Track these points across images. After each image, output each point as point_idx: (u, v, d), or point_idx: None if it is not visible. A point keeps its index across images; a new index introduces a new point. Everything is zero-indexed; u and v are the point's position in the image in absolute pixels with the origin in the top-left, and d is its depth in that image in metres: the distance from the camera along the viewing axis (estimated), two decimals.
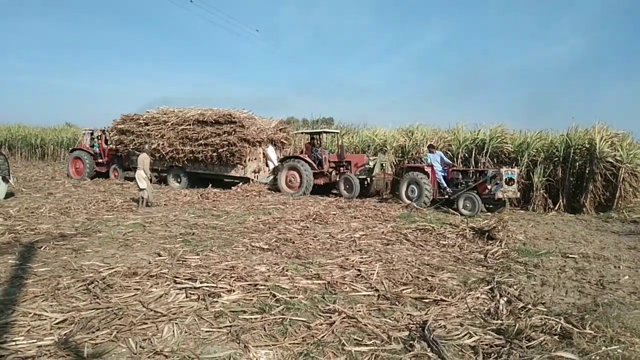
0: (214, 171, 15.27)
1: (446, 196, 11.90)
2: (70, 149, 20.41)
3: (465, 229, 8.21)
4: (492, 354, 3.39)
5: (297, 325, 3.90)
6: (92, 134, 18.38)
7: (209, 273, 5.09)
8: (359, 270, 5.62)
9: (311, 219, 9.41)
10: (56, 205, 10.39)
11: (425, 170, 12.07)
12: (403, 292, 4.85)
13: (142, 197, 10.63)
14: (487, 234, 7.82)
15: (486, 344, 3.57)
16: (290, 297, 4.55)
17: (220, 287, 4.64)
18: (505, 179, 10.87)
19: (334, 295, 4.70)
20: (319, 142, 15.12)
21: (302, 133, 17.39)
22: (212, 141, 14.65)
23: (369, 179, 13.88)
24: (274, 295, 4.55)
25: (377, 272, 5.47)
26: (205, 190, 14.13)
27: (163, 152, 15.49)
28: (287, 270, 5.46)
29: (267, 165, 15.66)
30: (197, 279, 4.82)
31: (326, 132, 15.86)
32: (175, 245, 6.64)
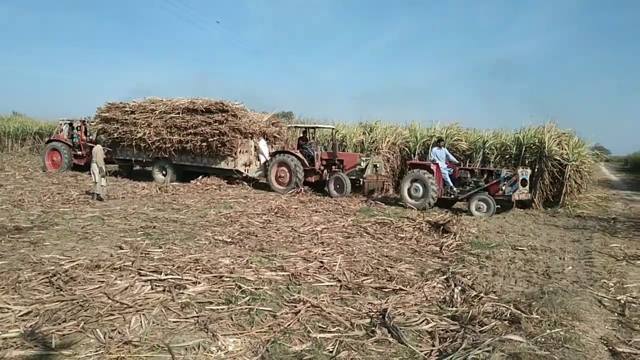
0: (203, 163, 14.64)
1: (452, 196, 11.38)
2: (46, 139, 19.23)
3: (422, 223, 8.52)
4: (448, 339, 3.63)
5: (263, 314, 4.02)
6: (71, 124, 17.54)
7: (173, 265, 5.12)
8: (321, 262, 5.77)
9: (273, 213, 9.50)
10: (8, 197, 10.01)
11: (431, 167, 11.33)
12: (364, 282, 5.05)
13: (95, 191, 10.45)
14: (442, 227, 8.15)
15: (442, 330, 3.82)
16: (256, 289, 4.66)
17: (185, 279, 4.69)
18: (521, 181, 10.54)
19: (298, 286, 4.84)
20: (312, 137, 14.59)
21: (295, 127, 16.79)
22: (202, 130, 13.99)
23: (360, 180, 13.10)
24: (240, 287, 4.64)
25: (339, 264, 5.64)
26: (163, 183, 13.92)
27: (149, 142, 14.69)
28: (251, 263, 5.55)
29: (259, 159, 15.00)
30: (162, 272, 4.84)
31: (320, 128, 15.48)
32: (137, 239, 6.59)
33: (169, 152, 14.74)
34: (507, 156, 13.38)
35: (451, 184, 11.39)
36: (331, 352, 3.34)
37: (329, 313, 4.06)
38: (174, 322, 3.76)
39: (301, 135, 14.94)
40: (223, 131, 13.72)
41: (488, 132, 14.50)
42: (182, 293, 4.36)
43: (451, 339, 3.60)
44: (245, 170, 14.55)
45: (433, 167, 11.32)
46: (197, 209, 9.63)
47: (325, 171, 13.80)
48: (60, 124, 18.18)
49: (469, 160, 13.52)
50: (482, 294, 4.63)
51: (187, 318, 3.85)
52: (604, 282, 5.35)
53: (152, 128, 14.75)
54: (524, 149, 13.01)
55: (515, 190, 10.54)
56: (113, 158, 16.31)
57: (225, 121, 13.86)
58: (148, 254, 5.71)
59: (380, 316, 4.02)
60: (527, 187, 10.67)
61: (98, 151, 10.65)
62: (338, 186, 12.98)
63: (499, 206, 10.91)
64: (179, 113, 14.55)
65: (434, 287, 4.95)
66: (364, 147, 15.49)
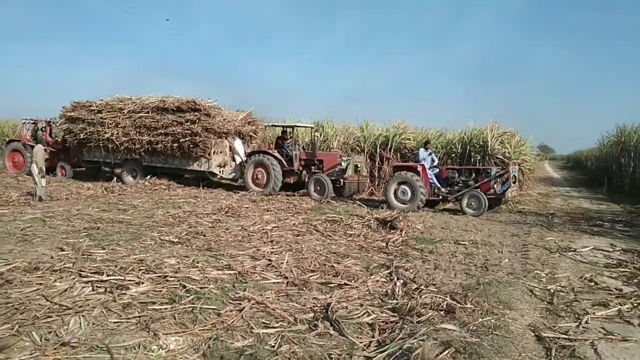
0: (175, 164, 14.09)
1: (440, 197, 11.29)
2: (7, 139, 17.92)
3: (371, 220, 8.71)
4: (387, 330, 3.76)
5: (207, 313, 4.02)
6: (35, 124, 16.58)
7: (116, 266, 5.02)
8: (269, 260, 5.81)
9: (223, 212, 9.44)
10: None
11: (417, 169, 11.16)
12: (310, 278, 5.12)
13: (36, 192, 10.07)
14: (389, 224, 8.36)
15: (382, 321, 3.95)
16: (201, 288, 4.63)
17: (128, 280, 4.61)
18: (512, 178, 10.55)
19: (244, 284, 4.85)
20: (290, 137, 14.14)
21: (272, 126, 16.18)
22: (173, 130, 13.43)
23: (341, 180, 12.73)
24: (184, 286, 4.61)
25: (287, 261, 5.70)
26: (109, 183, 13.50)
27: (117, 143, 14.04)
28: (197, 262, 5.51)
29: (234, 160, 14.47)
30: (103, 272, 4.74)
31: (299, 127, 15.01)
32: (79, 240, 6.39)
33: (138, 154, 14.09)
34: (452, 155, 13.85)
35: (438, 184, 11.29)
36: (273, 346, 3.39)
37: (273, 309, 4.11)
38: (114, 322, 3.71)
39: (279, 134, 14.54)
40: (195, 131, 13.23)
41: (434, 131, 14.96)
42: (124, 294, 4.29)
43: (390, 330, 3.73)
44: (219, 172, 14.04)
45: (419, 168, 11.17)
46: (144, 210, 9.44)
47: (304, 172, 13.37)
48: (23, 123, 17.10)
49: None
50: (422, 287, 4.80)
51: (128, 318, 3.80)
52: (537, 273, 5.67)
53: (121, 128, 14.11)
54: (468, 147, 13.51)
55: (508, 187, 10.51)
56: (80, 160, 15.61)
57: (197, 120, 13.33)
58: (90, 255, 5.57)
59: (324, 310, 4.11)
60: (516, 183, 10.51)
61: (38, 151, 10.28)
62: (319, 188, 12.50)
63: (491, 204, 10.85)
64: (148, 112, 13.99)
65: (378, 281, 5.10)
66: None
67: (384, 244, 7.09)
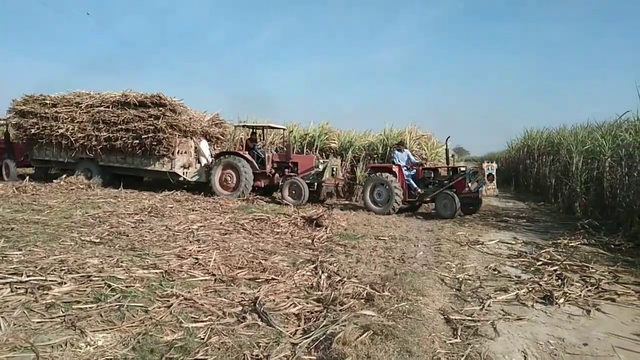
0: (134, 164, 13.25)
1: (417, 198, 11.17)
2: None
3: (297, 218, 8.95)
4: (312, 319, 4.00)
5: (134, 310, 4.03)
6: None
7: (35, 267, 4.84)
8: (196, 258, 5.84)
9: (146, 212, 9.25)
10: None
11: (393, 170, 10.99)
12: (238, 275, 5.24)
13: None
14: (315, 221, 8.65)
15: (308, 311, 4.18)
16: (127, 286, 4.60)
17: (50, 280, 4.48)
18: (487, 175, 10.33)
19: (171, 282, 4.88)
20: (261, 138, 13.58)
21: (242, 127, 15.24)
22: (134, 126, 12.61)
23: (316, 184, 12.37)
24: (109, 286, 4.55)
25: (214, 259, 5.76)
26: (21, 183, 12.66)
27: (72, 139, 13.03)
28: (121, 262, 5.43)
29: (199, 161, 13.76)
30: (22, 273, 4.57)
31: (271, 127, 14.41)
32: None
33: (94, 151, 13.18)
34: (375, 155, 14.47)
35: (415, 185, 11.16)
36: (202, 338, 3.51)
37: (201, 305, 4.20)
38: (37, 322, 3.63)
39: (249, 136, 13.95)
40: (159, 127, 12.46)
41: (357, 132, 15.55)
42: (47, 294, 4.18)
43: (315, 319, 3.97)
44: (183, 173, 13.33)
45: (395, 169, 11.01)
46: (61, 210, 9.02)
47: (277, 175, 12.95)
48: None
49: (341, 159, 14.28)
50: (345, 279, 5.10)
51: (52, 318, 3.73)
52: (448, 264, 6.19)
53: (77, 123, 13.12)
54: (389, 148, 14.19)
55: (482, 186, 10.34)
56: (29, 159, 14.39)
57: (162, 116, 12.60)
58: (6, 256, 5.30)
59: (252, 304, 4.27)
60: (494, 182, 10.39)
61: None
62: (294, 192, 12.01)
63: (471, 207, 10.90)
64: (108, 107, 13.07)
65: (304, 275, 5.33)
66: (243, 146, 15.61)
67: (310, 241, 7.35)
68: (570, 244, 7.54)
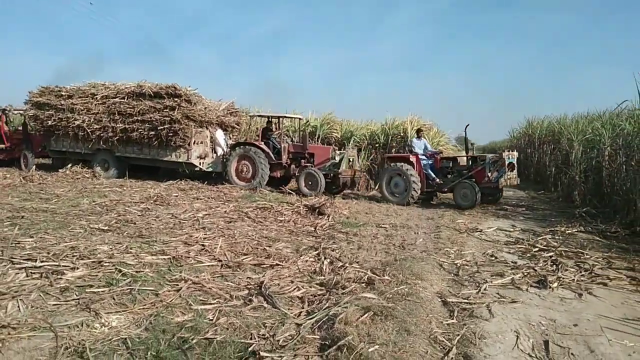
0: (151, 155, 13.23)
1: (435, 188, 11.00)
2: None
3: (300, 207, 9.12)
4: (315, 301, 4.19)
5: (145, 294, 4.21)
6: None
7: (48, 253, 5.03)
8: (202, 245, 6.03)
9: (152, 201, 9.43)
10: None
11: (410, 160, 10.77)
12: (244, 260, 5.43)
13: None
14: (317, 210, 8.81)
15: (311, 295, 4.37)
16: (137, 272, 4.79)
17: (63, 266, 4.67)
18: (508, 165, 10.10)
19: (179, 267, 5.07)
20: (277, 128, 13.44)
21: (258, 116, 14.53)
22: (150, 117, 12.58)
23: (331, 174, 12.18)
24: (120, 271, 4.74)
25: (220, 246, 5.94)
26: (29, 172, 12.84)
27: (88, 130, 13.09)
28: (131, 249, 5.62)
29: (215, 152, 13.62)
30: (36, 259, 4.75)
31: (287, 117, 14.22)
32: (4, 229, 6.24)
33: (111, 143, 13.22)
34: (376, 145, 14.61)
35: (433, 175, 10.92)
36: (211, 320, 3.69)
37: (209, 288, 4.39)
38: (54, 304, 3.82)
39: (265, 125, 13.73)
40: (175, 118, 12.36)
41: (360, 122, 15.69)
42: (60, 278, 4.37)
43: (318, 302, 4.16)
44: (199, 164, 13.27)
45: (413, 158, 10.80)
46: (69, 199, 9.22)
47: (293, 165, 12.77)
48: None
49: (341, 148, 14.35)
50: (347, 264, 5.28)
51: (67, 301, 3.92)
52: (447, 250, 6.37)
53: (93, 115, 13.16)
54: (390, 138, 14.32)
55: (502, 175, 10.09)
56: (47, 150, 14.51)
57: (177, 107, 12.50)
58: (19, 243, 5.49)
59: (258, 287, 4.45)
60: (515, 171, 10.18)
61: None
62: (310, 183, 11.90)
63: (490, 197, 10.75)
64: (123, 98, 13.10)
65: (307, 261, 5.52)
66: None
67: (313, 229, 7.53)
68: (567, 232, 7.71)
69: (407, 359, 2.94)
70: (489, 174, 10.28)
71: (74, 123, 13.30)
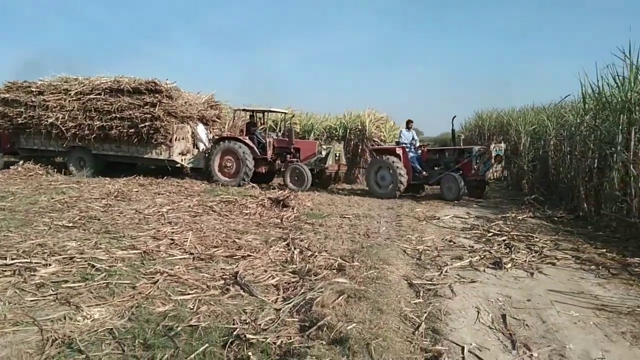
0: (130, 152, 12.79)
1: (421, 180, 10.96)
2: None
3: (264, 200, 9.27)
4: (290, 288, 4.40)
5: (122, 287, 4.28)
6: None
7: (17, 251, 4.98)
8: (172, 239, 6.09)
9: (113, 197, 9.32)
10: None
11: (397, 152, 10.71)
12: (215, 253, 5.55)
13: None
14: (281, 202, 8.99)
15: (285, 282, 4.57)
16: (110, 266, 4.82)
17: (35, 262, 4.65)
18: (495, 157, 10.06)
19: (152, 261, 5.14)
20: (262, 122, 13.20)
21: (242, 110, 14.28)
22: (130, 114, 12.08)
23: (316, 169, 12.14)
24: (93, 266, 4.76)
25: (190, 240, 6.03)
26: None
27: (63, 129, 12.47)
28: (100, 244, 5.62)
29: (197, 147, 13.27)
30: (6, 257, 4.71)
31: (272, 111, 13.89)
32: None
33: (87, 140, 12.66)
34: (335, 138, 14.90)
35: (419, 167, 10.88)
36: (192, 309, 3.83)
37: (186, 280, 4.51)
38: (31, 300, 3.84)
39: (248, 119, 13.44)
40: (156, 115, 11.95)
41: (320, 115, 15.93)
42: (34, 275, 4.36)
43: (293, 288, 4.37)
44: (181, 160, 12.86)
45: (399, 151, 10.72)
46: (25, 196, 8.97)
47: (278, 161, 12.64)
48: None
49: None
50: (316, 253, 5.51)
51: (44, 296, 3.95)
52: (408, 237, 6.72)
53: (67, 112, 12.53)
54: (348, 131, 14.65)
55: (489, 168, 10.09)
56: (16, 148, 13.69)
57: (158, 103, 12.08)
58: None
59: (233, 277, 4.61)
60: (502, 164, 10.17)
61: None
62: (296, 178, 11.82)
63: (478, 190, 10.64)
64: (100, 94, 12.52)
65: (277, 251, 5.70)
66: None
67: (279, 220, 7.71)
68: (518, 217, 8.24)
69: (383, 334, 3.20)
70: (475, 167, 10.27)
71: (47, 121, 12.64)
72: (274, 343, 3.16)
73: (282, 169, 12.46)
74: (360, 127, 14.70)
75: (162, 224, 7.02)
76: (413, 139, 11.54)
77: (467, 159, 10.37)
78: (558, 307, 4.10)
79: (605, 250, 6.10)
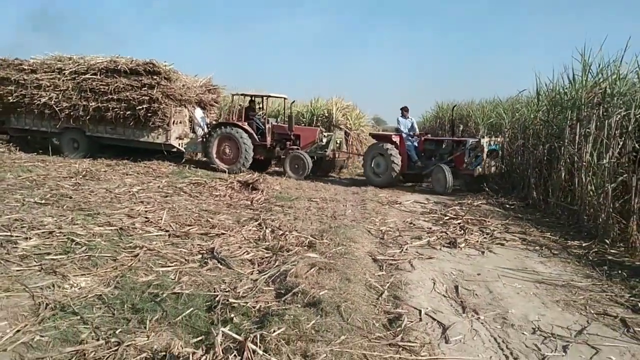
0: (126, 135, 12.40)
1: (416, 170, 10.75)
2: None
3: (233, 182, 9.52)
4: (264, 262, 4.75)
5: (104, 259, 4.50)
6: None
7: None
8: (146, 217, 6.29)
9: (81, 176, 9.34)
10: None
11: (394, 139, 10.51)
12: (190, 230, 5.81)
13: None
14: (251, 185, 9.28)
15: (260, 257, 4.92)
16: (89, 241, 5.00)
17: (15, 236, 4.80)
18: (487, 152, 9.79)
19: (130, 237, 5.35)
20: (260, 108, 12.96)
21: (241, 95, 13.33)
22: (126, 96, 11.69)
23: (315, 157, 11.91)
24: (73, 240, 4.93)
25: (164, 218, 6.26)
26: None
27: (56, 109, 12.03)
28: (76, 221, 5.77)
29: (194, 131, 12.95)
30: None
31: (271, 97, 13.66)
32: None
33: (82, 122, 12.26)
34: (302, 124, 15.21)
35: (415, 157, 10.70)
36: (174, 279, 4.12)
37: (165, 254, 4.78)
38: (17, 270, 4.03)
39: (247, 105, 12.99)
40: (155, 97, 11.56)
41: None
42: (16, 247, 4.52)
43: (267, 262, 4.73)
44: (179, 144, 12.51)
45: (396, 138, 10.55)
46: None
47: (278, 147, 12.32)
48: None
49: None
50: (287, 232, 5.86)
51: (30, 267, 4.14)
52: (372, 219, 7.17)
53: (61, 92, 12.09)
54: (316, 118, 14.99)
55: (480, 164, 9.78)
56: (6, 127, 13.13)
57: (156, 85, 11.69)
58: None
59: (210, 252, 4.91)
60: (499, 159, 9.96)
61: None
62: (296, 165, 11.66)
63: (474, 185, 10.21)
64: (95, 74, 12.08)
65: (250, 230, 6.03)
66: None
67: (249, 202, 8.01)
68: (473, 204, 8.83)
69: (351, 299, 3.60)
70: (466, 160, 10.04)
71: (40, 100, 12.23)
72: (254, 307, 3.52)
73: (281, 156, 12.27)
74: (327, 114, 15.07)
75: (135, 203, 7.18)
76: (412, 126, 11.36)
77: (461, 152, 10.20)
78: (504, 280, 4.63)
79: (549, 233, 6.73)
